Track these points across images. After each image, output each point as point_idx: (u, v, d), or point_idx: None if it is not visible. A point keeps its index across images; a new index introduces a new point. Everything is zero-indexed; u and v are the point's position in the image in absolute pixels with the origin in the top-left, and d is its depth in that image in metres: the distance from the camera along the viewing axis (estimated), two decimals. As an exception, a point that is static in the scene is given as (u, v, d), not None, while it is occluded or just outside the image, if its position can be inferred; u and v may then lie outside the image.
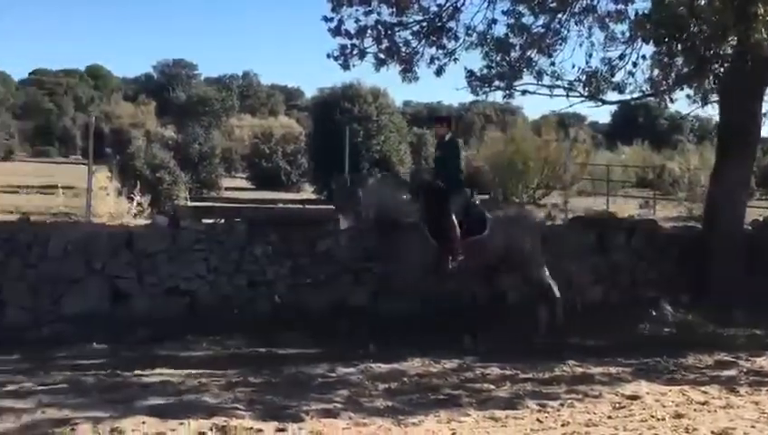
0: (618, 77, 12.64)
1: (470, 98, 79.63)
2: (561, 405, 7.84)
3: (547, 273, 10.75)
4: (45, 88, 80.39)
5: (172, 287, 10.82)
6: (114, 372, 8.55)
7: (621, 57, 12.54)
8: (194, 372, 8.68)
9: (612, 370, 9.31)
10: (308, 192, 34.52)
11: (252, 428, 6.85)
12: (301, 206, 23.66)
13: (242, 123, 54.51)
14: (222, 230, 11.13)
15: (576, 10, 12.24)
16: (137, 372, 8.61)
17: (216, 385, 8.19)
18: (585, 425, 7.32)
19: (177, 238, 10.92)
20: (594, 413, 7.65)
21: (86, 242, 10.66)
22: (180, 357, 9.32)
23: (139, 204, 19.52)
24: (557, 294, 10.65)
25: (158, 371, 8.67)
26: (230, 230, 11.15)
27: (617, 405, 7.94)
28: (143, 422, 6.87)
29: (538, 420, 7.43)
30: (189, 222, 11.24)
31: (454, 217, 10.15)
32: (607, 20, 12.23)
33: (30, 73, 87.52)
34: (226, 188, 34.09)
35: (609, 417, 7.58)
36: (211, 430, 6.77)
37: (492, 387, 8.45)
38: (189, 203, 24.36)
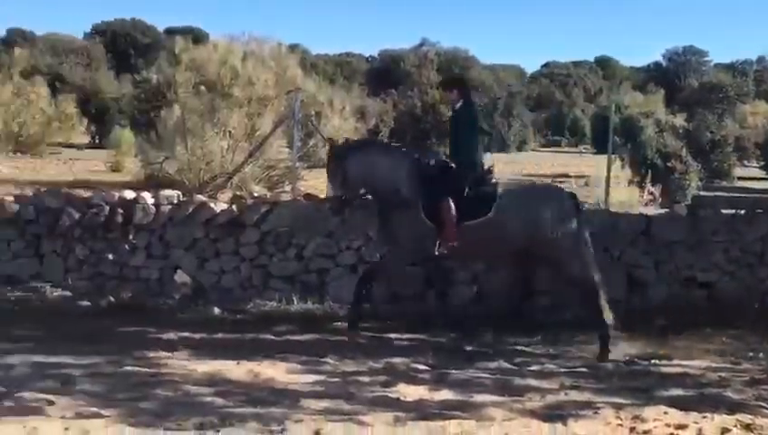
0: None
1: None
2: None
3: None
4: (556, 80, 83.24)
5: (689, 277, 10.61)
6: (632, 361, 8.62)
7: None
8: (713, 365, 8.48)
9: None
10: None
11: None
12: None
13: (756, 110, 52.11)
14: (743, 221, 10.67)
15: None
16: (654, 361, 8.60)
17: (738, 380, 7.91)
18: None
19: (695, 228, 10.66)
20: None
21: (605, 230, 10.71)
22: (698, 349, 9.08)
23: (651, 193, 19.42)
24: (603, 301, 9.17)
25: (675, 362, 8.59)
26: (751, 221, 10.68)
27: None
28: (665, 413, 6.81)
29: None
30: (708, 212, 10.90)
31: (450, 199, 8.90)
32: None
33: (542, 66, 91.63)
34: (738, 178, 32.75)
35: None
36: (735, 426, 6.54)
37: None
38: (701, 193, 23.76)
